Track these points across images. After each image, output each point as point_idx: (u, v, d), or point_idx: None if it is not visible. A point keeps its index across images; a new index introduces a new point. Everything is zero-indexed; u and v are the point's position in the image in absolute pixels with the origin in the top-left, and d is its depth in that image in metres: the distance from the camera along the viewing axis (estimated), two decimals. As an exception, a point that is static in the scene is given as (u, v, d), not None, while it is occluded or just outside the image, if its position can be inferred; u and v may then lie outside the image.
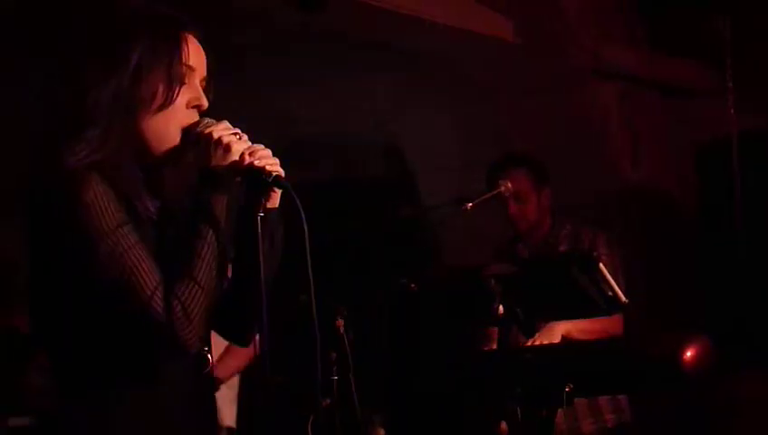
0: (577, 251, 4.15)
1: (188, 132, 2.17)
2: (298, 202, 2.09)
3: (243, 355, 4.62)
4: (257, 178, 2.12)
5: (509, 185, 4.23)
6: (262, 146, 2.15)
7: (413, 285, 3.25)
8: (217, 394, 4.64)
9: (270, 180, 2.11)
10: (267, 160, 2.13)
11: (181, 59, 2.16)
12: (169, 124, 2.15)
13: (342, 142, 6.59)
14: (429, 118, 6.34)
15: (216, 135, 2.13)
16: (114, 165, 2.08)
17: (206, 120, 2.18)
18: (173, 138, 2.16)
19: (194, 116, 2.18)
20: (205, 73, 2.22)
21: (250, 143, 2.15)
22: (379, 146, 6.78)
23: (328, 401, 3.48)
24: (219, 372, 4.35)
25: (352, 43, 5.35)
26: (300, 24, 5.07)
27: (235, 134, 2.14)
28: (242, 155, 2.12)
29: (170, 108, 2.14)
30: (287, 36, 5.23)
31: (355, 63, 5.65)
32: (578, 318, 3.90)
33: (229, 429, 4.91)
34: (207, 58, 2.23)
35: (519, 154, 4.53)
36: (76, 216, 2.00)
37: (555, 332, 3.88)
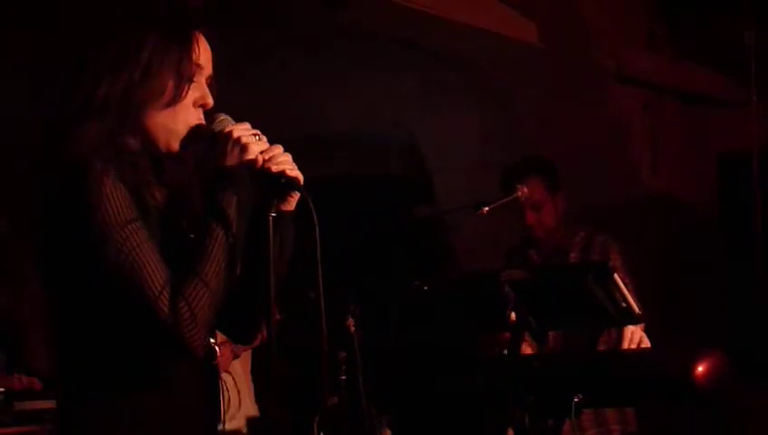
0: (592, 261, 4.11)
1: (203, 129, 2.16)
2: (311, 205, 2.08)
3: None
4: (271, 181, 2.10)
5: (525, 190, 4.19)
6: (280, 148, 2.13)
7: (425, 288, 3.22)
8: (235, 384, 4.68)
9: (283, 183, 2.09)
10: (284, 163, 2.11)
11: (192, 57, 2.15)
12: (177, 120, 2.15)
13: (363, 140, 6.59)
14: (450, 118, 6.32)
15: (235, 134, 2.11)
16: (124, 156, 2.07)
17: (223, 116, 2.17)
18: (179, 134, 2.15)
19: (199, 114, 2.18)
20: (210, 72, 2.21)
21: (268, 145, 2.13)
22: (399, 145, 6.77)
23: (335, 399, 3.47)
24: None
25: (377, 42, 5.34)
26: (326, 22, 5.06)
27: (255, 135, 2.13)
28: (258, 156, 2.10)
29: (178, 105, 2.14)
30: (313, 33, 5.22)
31: (379, 62, 5.64)
32: (590, 328, 3.87)
33: (250, 418, 4.89)
34: (214, 58, 2.22)
35: (533, 160, 4.48)
36: (88, 210, 1.99)
37: None
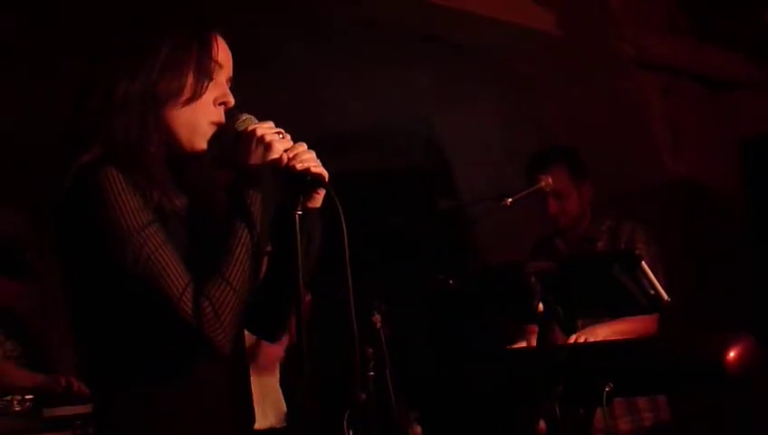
0: (619, 249, 4.09)
1: (227, 128, 2.16)
2: (338, 202, 2.07)
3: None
4: (296, 178, 2.09)
5: (549, 180, 4.18)
6: (304, 146, 2.13)
7: (451, 281, 3.21)
8: (267, 382, 4.67)
9: (308, 180, 2.09)
10: (308, 161, 2.11)
11: (211, 54, 2.15)
12: (198, 118, 2.14)
13: (384, 134, 6.56)
14: (471, 110, 6.29)
15: (259, 132, 2.11)
16: (141, 158, 2.06)
17: (246, 115, 2.16)
18: (204, 131, 2.15)
19: (220, 113, 2.17)
20: (231, 74, 2.21)
21: (292, 143, 2.12)
22: (421, 138, 6.75)
23: (364, 396, 3.46)
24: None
25: (395, 36, 5.32)
26: (345, 15, 5.05)
27: (278, 133, 2.12)
28: (283, 154, 2.10)
29: (198, 102, 2.13)
30: (331, 26, 5.21)
31: (397, 55, 5.62)
32: (619, 316, 3.84)
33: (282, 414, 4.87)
34: (234, 60, 2.22)
35: (558, 149, 4.46)
36: (102, 215, 1.99)
37: (596, 337, 3.82)
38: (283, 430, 4.76)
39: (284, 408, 4.89)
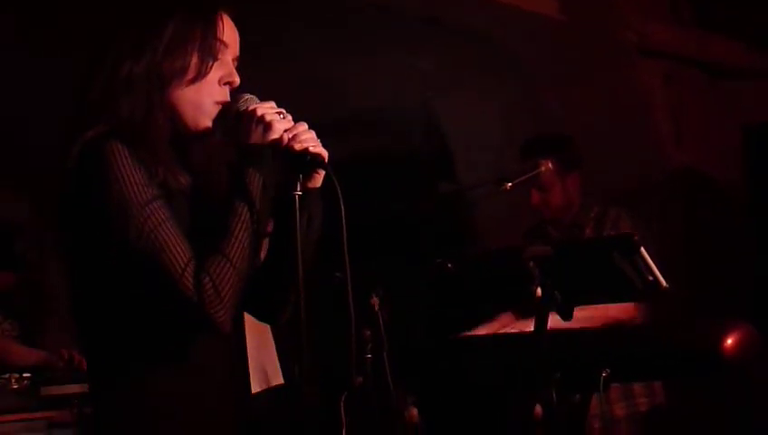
0: (618, 234, 4.08)
1: (229, 108, 2.16)
2: (336, 182, 2.07)
3: None
4: (295, 158, 2.09)
5: (549, 165, 4.17)
6: (305, 126, 2.13)
7: (449, 265, 3.20)
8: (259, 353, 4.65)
9: (307, 160, 2.08)
10: (308, 141, 2.10)
11: (216, 33, 2.15)
12: (203, 97, 2.14)
13: (385, 118, 6.56)
14: (472, 95, 6.28)
15: (259, 112, 2.11)
16: (146, 137, 2.07)
17: (248, 96, 2.16)
18: (209, 111, 2.15)
19: (225, 93, 2.17)
20: (237, 53, 2.22)
21: (293, 123, 2.12)
22: (422, 123, 6.74)
23: (361, 379, 3.47)
24: None
25: (397, 19, 5.31)
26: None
27: (279, 113, 2.12)
28: (283, 134, 2.09)
29: (203, 82, 2.13)
30: (332, 11, 5.20)
31: (399, 39, 5.61)
32: (616, 302, 3.84)
33: (277, 385, 4.84)
34: (240, 38, 2.22)
35: (543, 140, 4.42)
36: (107, 188, 1.99)
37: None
38: (281, 387, 4.73)
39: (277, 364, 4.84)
